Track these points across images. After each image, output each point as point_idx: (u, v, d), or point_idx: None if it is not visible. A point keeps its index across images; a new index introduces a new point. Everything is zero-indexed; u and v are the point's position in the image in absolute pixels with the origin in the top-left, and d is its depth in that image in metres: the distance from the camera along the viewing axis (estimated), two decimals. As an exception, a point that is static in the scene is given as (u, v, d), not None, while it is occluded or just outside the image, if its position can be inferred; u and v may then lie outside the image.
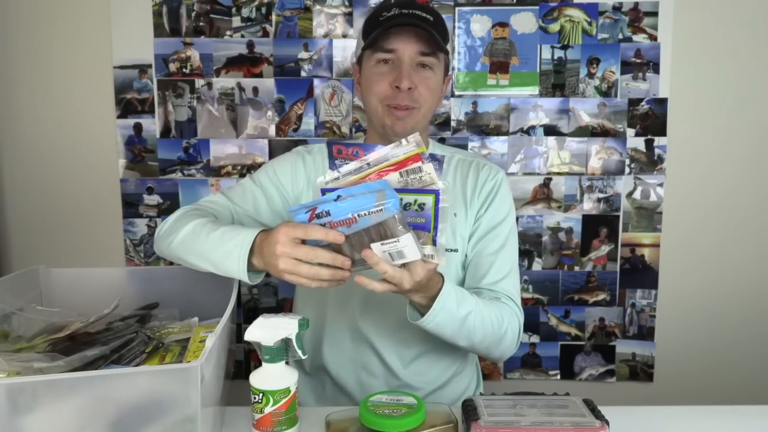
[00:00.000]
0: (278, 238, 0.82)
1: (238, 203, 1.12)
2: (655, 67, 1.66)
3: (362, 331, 1.14)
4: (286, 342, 0.83)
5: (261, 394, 0.81)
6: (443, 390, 1.17)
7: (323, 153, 1.18)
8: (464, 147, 1.68)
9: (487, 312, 1.00)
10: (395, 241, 0.77)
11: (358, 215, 0.77)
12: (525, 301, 1.75)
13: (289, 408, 0.82)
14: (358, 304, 1.13)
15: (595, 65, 1.67)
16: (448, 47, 1.09)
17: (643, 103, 1.68)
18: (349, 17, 1.65)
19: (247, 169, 1.70)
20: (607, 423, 0.79)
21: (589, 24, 1.66)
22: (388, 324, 1.12)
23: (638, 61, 1.66)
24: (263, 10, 1.66)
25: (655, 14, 1.65)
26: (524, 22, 1.66)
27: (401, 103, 1.05)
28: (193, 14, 1.66)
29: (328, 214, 0.78)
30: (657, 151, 1.69)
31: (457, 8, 1.65)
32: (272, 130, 1.69)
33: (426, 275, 0.83)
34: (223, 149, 1.70)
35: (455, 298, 0.94)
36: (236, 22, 1.66)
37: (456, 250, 1.12)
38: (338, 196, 0.78)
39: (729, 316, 1.75)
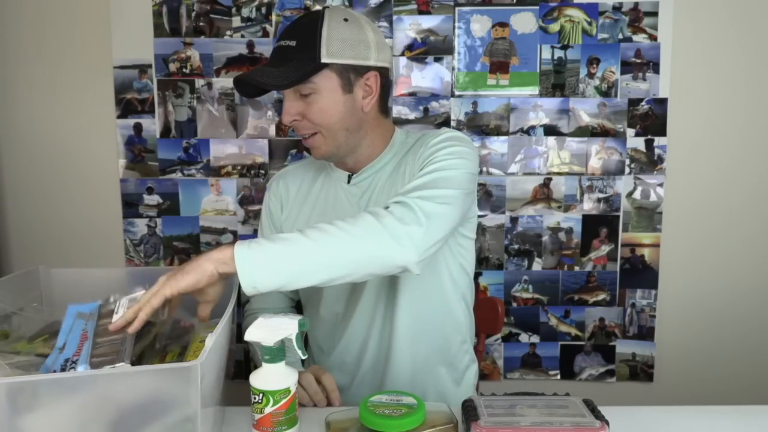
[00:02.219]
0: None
1: None
2: (655, 67, 1.66)
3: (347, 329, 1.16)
4: (285, 342, 0.83)
5: (261, 394, 0.81)
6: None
7: (293, 173, 1.24)
8: (464, 147, 1.68)
9: (322, 224, 0.88)
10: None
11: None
12: (525, 301, 1.75)
13: (289, 408, 0.82)
14: (342, 306, 1.16)
15: (595, 65, 1.67)
16: (329, 59, 1.01)
17: (643, 103, 1.68)
18: (349, 17, 1.65)
19: (247, 169, 1.70)
20: (607, 423, 0.79)
21: (589, 24, 1.66)
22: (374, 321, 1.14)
23: (638, 61, 1.66)
24: (263, 10, 1.66)
25: (655, 14, 1.65)
26: (524, 22, 1.66)
27: (299, 134, 1.09)
28: (193, 14, 1.66)
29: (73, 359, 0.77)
30: (657, 151, 1.69)
31: (457, 8, 1.65)
32: (272, 130, 1.69)
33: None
34: (223, 149, 1.70)
35: (253, 241, 0.86)
36: (236, 22, 1.66)
37: None
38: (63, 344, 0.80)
39: (729, 316, 1.75)
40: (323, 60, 1.02)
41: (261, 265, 0.83)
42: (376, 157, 1.14)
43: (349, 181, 1.15)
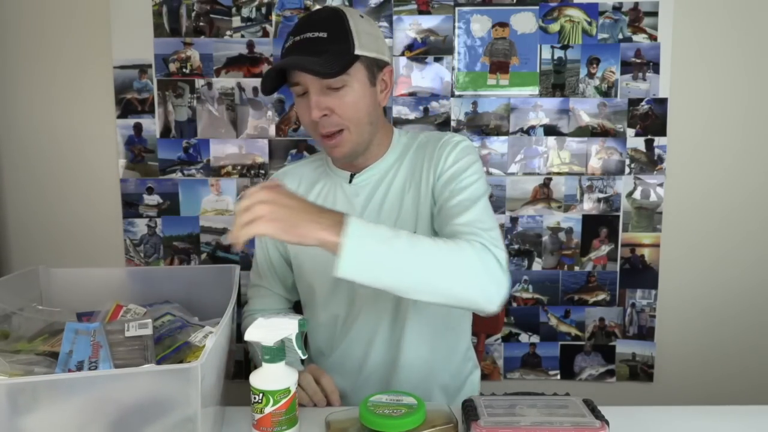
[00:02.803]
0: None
1: (272, 282, 1.24)
2: (655, 67, 1.66)
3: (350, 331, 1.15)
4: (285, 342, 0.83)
5: (261, 394, 0.81)
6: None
7: (291, 173, 1.22)
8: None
9: (428, 240, 0.87)
10: None
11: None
12: (525, 301, 1.75)
13: (289, 408, 0.82)
14: (343, 306, 1.15)
15: (595, 65, 1.67)
16: (360, 51, 1.01)
17: (643, 103, 1.68)
18: (349, 17, 1.65)
19: (247, 169, 1.70)
20: (607, 423, 0.79)
21: (589, 24, 1.66)
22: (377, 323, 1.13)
23: (638, 61, 1.66)
24: (263, 10, 1.66)
25: (655, 14, 1.65)
26: (524, 22, 1.66)
27: (324, 130, 1.03)
28: (193, 14, 1.66)
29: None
30: (657, 151, 1.69)
31: (457, 8, 1.65)
32: (272, 130, 1.70)
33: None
34: (223, 149, 1.70)
35: (366, 224, 0.85)
36: (236, 22, 1.66)
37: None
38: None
39: (729, 315, 1.75)
40: (356, 52, 1.01)
41: (363, 265, 0.83)
42: (380, 156, 1.13)
43: (350, 181, 1.14)
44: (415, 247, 0.85)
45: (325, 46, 0.99)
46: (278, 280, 1.24)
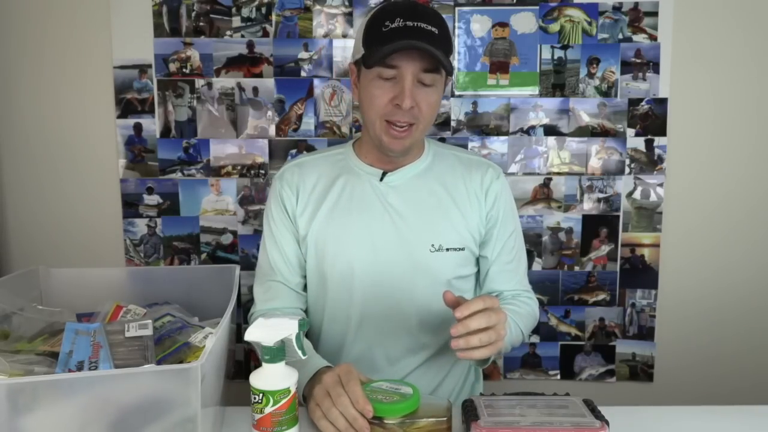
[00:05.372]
0: (334, 371, 0.89)
1: (287, 274, 1.15)
2: (655, 67, 1.66)
3: (356, 329, 1.14)
4: (286, 342, 0.83)
5: (261, 394, 0.81)
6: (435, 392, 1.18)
7: (310, 165, 1.17)
8: (464, 147, 1.68)
9: (524, 317, 1.13)
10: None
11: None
12: (525, 301, 1.75)
13: (289, 408, 0.82)
14: (353, 313, 1.13)
15: (595, 65, 1.67)
16: (451, 58, 1.05)
17: (643, 103, 1.68)
18: (349, 17, 1.65)
19: (247, 169, 1.70)
20: (607, 423, 0.79)
21: (589, 24, 1.66)
22: (383, 326, 1.13)
23: (638, 61, 1.66)
24: (263, 10, 1.66)
25: (655, 14, 1.65)
26: (524, 22, 1.66)
27: (401, 120, 1.02)
28: (193, 14, 1.66)
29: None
30: (657, 151, 1.69)
31: (457, 8, 1.65)
32: (272, 130, 1.70)
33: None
34: (223, 149, 1.70)
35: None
36: (236, 22, 1.66)
37: (462, 249, 1.12)
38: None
39: (729, 315, 1.75)
40: (450, 56, 1.03)
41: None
42: (415, 159, 1.13)
43: (381, 179, 1.12)
44: (525, 329, 1.14)
45: (437, 42, 0.98)
46: (296, 272, 1.16)
